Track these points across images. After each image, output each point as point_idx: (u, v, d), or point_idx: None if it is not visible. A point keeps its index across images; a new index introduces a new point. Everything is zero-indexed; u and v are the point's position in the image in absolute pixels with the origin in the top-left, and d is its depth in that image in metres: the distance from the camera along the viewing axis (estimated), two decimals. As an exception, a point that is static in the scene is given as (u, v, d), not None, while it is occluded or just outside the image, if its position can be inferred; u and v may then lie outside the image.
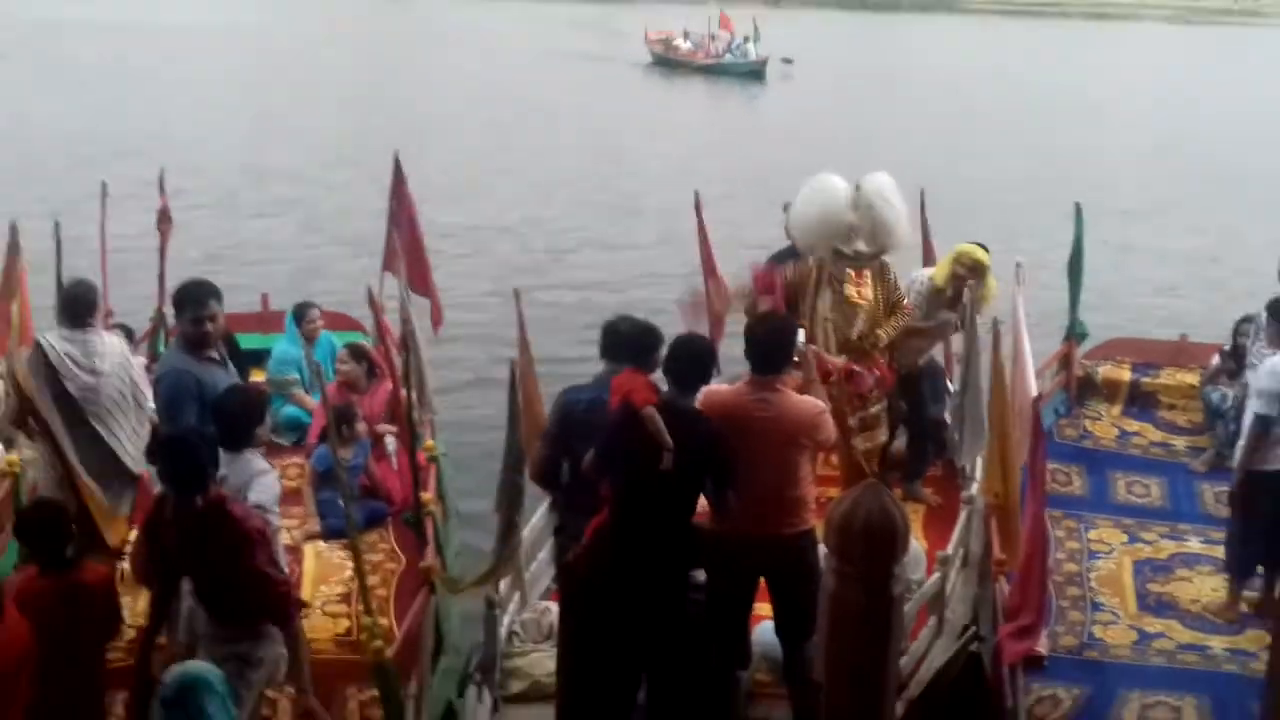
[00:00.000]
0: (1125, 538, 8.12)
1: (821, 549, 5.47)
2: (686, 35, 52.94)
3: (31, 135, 27.98)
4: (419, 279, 10.05)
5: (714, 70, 49.45)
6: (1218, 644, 6.82)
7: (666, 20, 55.42)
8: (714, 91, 46.29)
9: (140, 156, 21.83)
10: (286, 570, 6.22)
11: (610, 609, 5.85)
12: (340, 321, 10.81)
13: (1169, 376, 9.91)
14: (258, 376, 9.65)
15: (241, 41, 51.05)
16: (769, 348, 6.18)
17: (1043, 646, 6.43)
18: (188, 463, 5.54)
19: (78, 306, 7.28)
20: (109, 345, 7.33)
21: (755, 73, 48.51)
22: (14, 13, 53.08)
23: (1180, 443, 9.45)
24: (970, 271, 8.46)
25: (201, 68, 42.49)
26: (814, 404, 6.29)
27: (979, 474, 8.04)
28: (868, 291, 8.14)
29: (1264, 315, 7.95)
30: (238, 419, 6.13)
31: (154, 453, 6.52)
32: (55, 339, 7.11)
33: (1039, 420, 6.59)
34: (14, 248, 9.18)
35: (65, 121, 30.08)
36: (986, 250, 8.56)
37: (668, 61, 51.83)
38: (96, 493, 6.98)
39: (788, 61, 50.10)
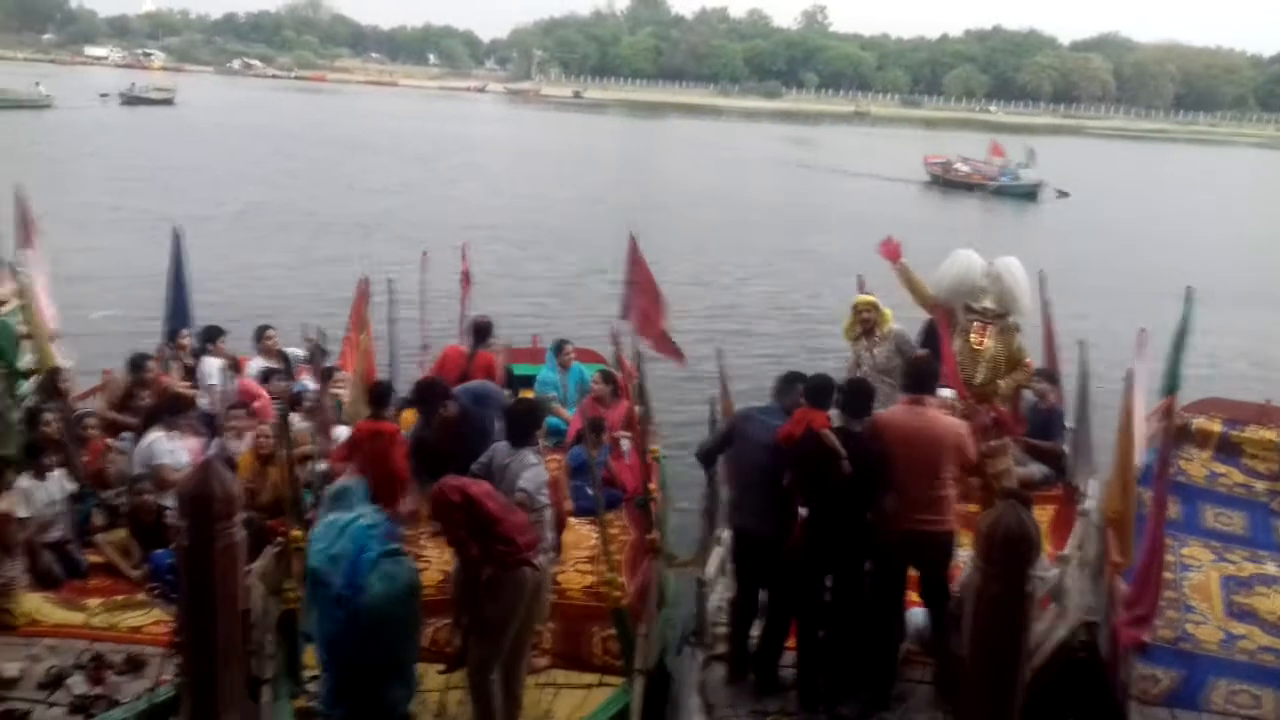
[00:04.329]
0: (1213, 556, 7.76)
1: (967, 551, 5.40)
2: (965, 160, 48.87)
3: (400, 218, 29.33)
4: (649, 328, 10.17)
5: (991, 191, 45.01)
6: (1293, 649, 6.46)
7: (875, 143, 53.57)
8: (989, 209, 41.71)
9: (445, 229, 22.62)
10: (552, 538, 6.34)
11: (808, 581, 5.99)
12: (586, 355, 11.11)
13: (1253, 432, 9.45)
14: (526, 395, 9.95)
15: (528, 150, 53.04)
16: (920, 377, 6.32)
17: (1147, 635, 6.20)
18: None
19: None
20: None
21: (1030, 195, 44.16)
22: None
23: (1260, 486, 9.00)
24: (869, 310, 8.76)
25: (499, 169, 44.03)
26: (958, 423, 6.31)
27: (1092, 492, 7.92)
28: (988, 342, 8.27)
29: None
30: (523, 424, 6.33)
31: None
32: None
33: (1166, 459, 6.54)
34: (363, 295, 9.78)
35: (415, 207, 31.31)
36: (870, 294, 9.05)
37: (946, 182, 47.52)
38: None
39: (1063, 194, 44.58)
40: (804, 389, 6.20)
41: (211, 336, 10.13)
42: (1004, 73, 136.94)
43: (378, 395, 7.94)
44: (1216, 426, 9.44)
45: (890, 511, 5.93)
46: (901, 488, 5.90)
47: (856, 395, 6.15)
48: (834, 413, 6.12)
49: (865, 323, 8.77)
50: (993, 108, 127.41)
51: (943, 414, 6.33)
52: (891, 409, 6.38)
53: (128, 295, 15.84)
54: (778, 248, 28.61)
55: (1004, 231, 34.56)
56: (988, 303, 8.32)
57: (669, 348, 9.80)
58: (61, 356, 9.75)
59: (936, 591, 6.10)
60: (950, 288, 8.49)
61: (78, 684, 5.83)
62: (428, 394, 7.77)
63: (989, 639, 4.81)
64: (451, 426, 7.54)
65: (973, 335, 8.32)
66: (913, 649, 6.39)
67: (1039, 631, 6.41)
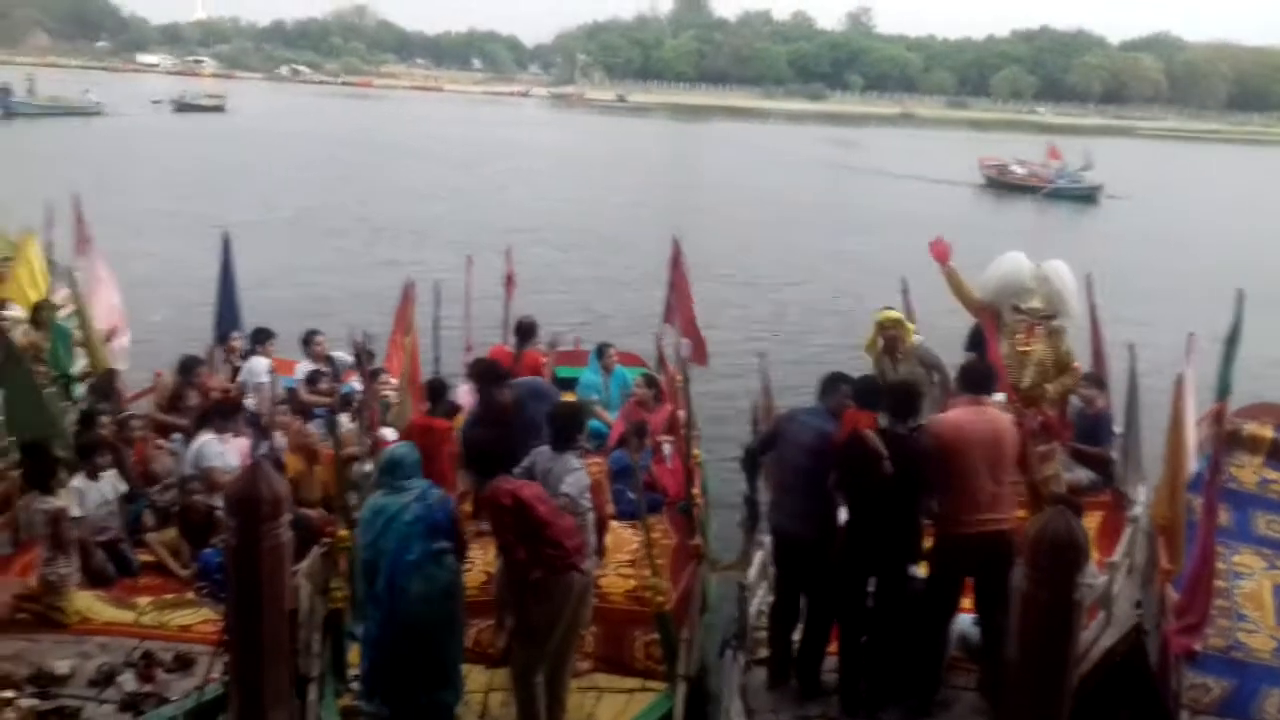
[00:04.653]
0: (1265, 564, 7.56)
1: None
2: (1021, 162, 47.60)
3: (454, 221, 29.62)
4: (690, 329, 10.20)
5: (1048, 194, 43.56)
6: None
7: (922, 145, 52.81)
8: (1045, 212, 40.53)
9: (492, 232, 22.79)
10: (594, 542, 6.34)
11: (849, 584, 5.97)
12: (628, 359, 11.12)
13: None
14: (568, 398, 9.98)
15: (572, 155, 53.29)
16: (977, 377, 6.31)
17: (1197, 643, 6.10)
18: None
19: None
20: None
21: (1088, 197, 43.02)
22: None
23: None
24: (894, 327, 8.57)
25: (544, 174, 44.32)
26: (1010, 419, 6.30)
27: (1141, 498, 7.81)
28: (1036, 345, 8.17)
29: None
30: (567, 428, 6.33)
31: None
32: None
33: (1217, 465, 6.42)
34: (408, 299, 9.89)
35: (463, 212, 31.54)
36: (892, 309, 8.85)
37: (1001, 184, 46.47)
38: None
39: (1115, 196, 43.36)
40: (852, 390, 6.18)
41: (260, 339, 10.29)
42: (1052, 73, 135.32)
43: (433, 391, 8.01)
44: (1268, 432, 9.23)
45: (943, 514, 5.89)
46: (965, 489, 5.85)
47: (903, 398, 6.10)
48: (882, 415, 6.09)
49: (889, 339, 8.64)
50: (1041, 109, 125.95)
51: (1000, 412, 6.27)
52: (954, 409, 6.29)
53: (181, 299, 16.09)
54: (824, 250, 28.49)
55: (1061, 234, 33.84)
56: (1036, 303, 8.25)
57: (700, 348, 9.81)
58: (115, 359, 9.96)
59: (994, 596, 5.98)
60: (997, 288, 8.42)
61: (128, 681, 5.92)
62: (488, 372, 7.77)
63: (1036, 646, 4.79)
64: (506, 414, 7.52)
65: (1019, 336, 8.24)
66: (957, 655, 6.32)
67: (1086, 639, 6.36)
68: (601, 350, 10.50)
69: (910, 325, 8.80)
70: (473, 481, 7.31)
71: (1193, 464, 6.96)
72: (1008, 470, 6.00)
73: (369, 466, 7.80)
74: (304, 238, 26.25)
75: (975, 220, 35.43)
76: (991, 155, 50.14)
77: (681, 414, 8.26)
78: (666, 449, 8.73)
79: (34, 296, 10.55)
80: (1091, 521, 8.01)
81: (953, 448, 5.86)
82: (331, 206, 31.34)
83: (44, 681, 5.85)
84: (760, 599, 6.74)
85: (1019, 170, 47.30)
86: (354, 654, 6.21)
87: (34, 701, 5.67)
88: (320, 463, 8.19)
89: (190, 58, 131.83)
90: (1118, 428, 8.82)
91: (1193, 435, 6.93)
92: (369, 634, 5.79)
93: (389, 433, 8.79)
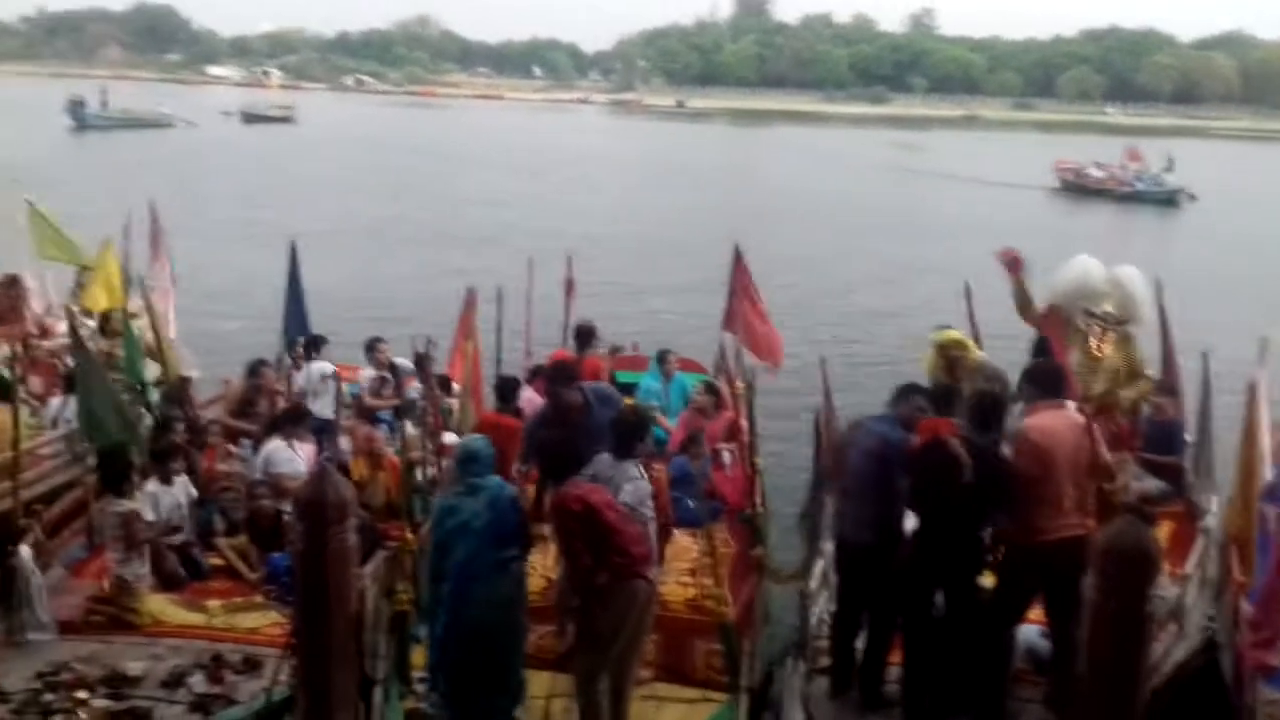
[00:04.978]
0: (1342, 577, 7.32)
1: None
2: (1099, 165, 46.75)
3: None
4: (753, 338, 10.13)
5: (1127, 197, 42.82)
6: None
7: (989, 148, 51.79)
8: (1125, 216, 39.74)
9: (557, 238, 22.90)
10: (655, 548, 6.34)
11: (916, 594, 5.90)
12: (688, 365, 11.12)
13: None
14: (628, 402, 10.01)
15: (633, 161, 53.62)
16: (1053, 380, 6.22)
17: (1273, 658, 5.93)
18: None
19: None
20: None
21: (1169, 201, 41.76)
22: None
23: None
24: (955, 348, 8.28)
25: (607, 181, 44.65)
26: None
27: (1213, 509, 7.66)
28: (1108, 350, 7.97)
29: None
30: (629, 436, 6.34)
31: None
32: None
33: None
34: (470, 305, 10.00)
35: (529, 219, 31.67)
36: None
37: (1078, 188, 45.63)
38: None
39: (1192, 198, 42.55)
40: (929, 396, 6.12)
41: (314, 345, 10.48)
42: (1121, 73, 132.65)
43: (503, 389, 8.07)
44: None
45: (1020, 524, 5.79)
46: (1048, 496, 5.75)
47: (989, 407, 5.98)
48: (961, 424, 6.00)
49: (950, 360, 8.43)
50: (1110, 109, 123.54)
51: (1077, 415, 6.15)
52: (1038, 414, 6.11)
53: (256, 308, 16.41)
54: (891, 257, 28.17)
55: (1138, 239, 33.21)
56: (1108, 307, 8.08)
57: (769, 351, 9.74)
58: (186, 366, 10.20)
59: (1066, 606, 5.83)
60: (1068, 292, 8.25)
61: (198, 683, 6.02)
62: (559, 372, 7.81)
63: (1106, 659, 4.67)
64: (574, 415, 7.55)
65: (1091, 342, 8.08)
66: (1022, 667, 6.22)
67: (1157, 652, 6.20)
68: (662, 356, 10.52)
69: (971, 343, 8.63)
70: (538, 484, 7.37)
71: (1267, 473, 6.77)
72: (1086, 476, 5.90)
73: (432, 472, 7.93)
74: (378, 246, 26.70)
75: (1050, 225, 34.73)
76: (1068, 158, 49.01)
77: (744, 423, 8.21)
78: (726, 457, 8.70)
79: (107, 305, 10.83)
80: (1162, 532, 7.83)
81: (1042, 453, 5.77)
82: (403, 216, 31.84)
83: (117, 683, 5.97)
84: (821, 607, 6.69)
85: (1096, 173, 46.19)
86: (417, 656, 6.29)
87: (106, 703, 5.79)
88: (384, 467, 8.30)
89: (258, 69, 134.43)
90: (1189, 435, 8.65)
91: (1267, 444, 6.73)
92: (434, 633, 5.85)
93: (451, 438, 8.89)
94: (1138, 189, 43.19)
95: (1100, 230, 34.66)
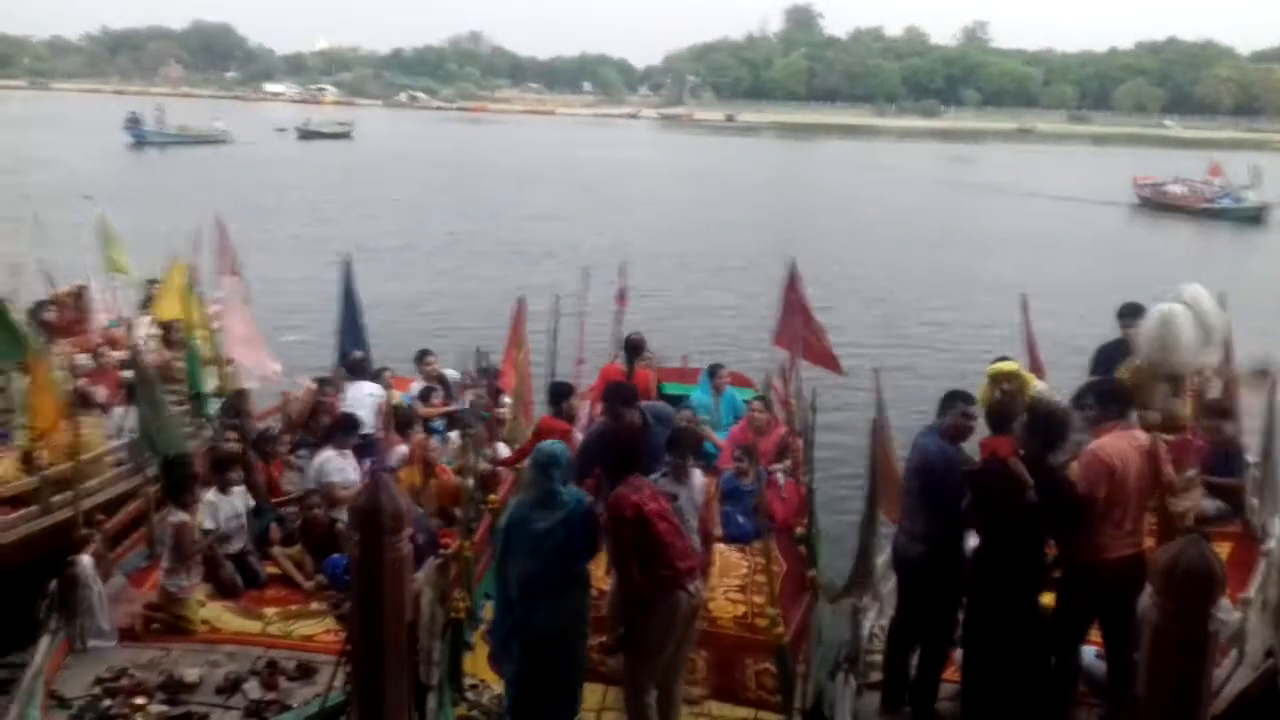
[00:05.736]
0: None
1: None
2: (1180, 180, 45.11)
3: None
4: (810, 350, 10.06)
5: (1209, 214, 41.08)
6: None
7: (1043, 160, 50.67)
8: (1205, 234, 38.01)
9: (613, 252, 22.98)
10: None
11: (981, 612, 5.84)
12: (739, 379, 11.09)
13: None
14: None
15: (685, 175, 53.54)
16: (1121, 398, 6.18)
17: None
18: None
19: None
20: None
21: (1254, 218, 39.79)
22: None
23: None
24: (1008, 380, 7.94)
25: (660, 195, 44.62)
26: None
27: (1276, 531, 7.47)
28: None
29: None
30: (682, 453, 6.45)
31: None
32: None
33: None
34: (521, 314, 10.07)
35: (586, 233, 31.82)
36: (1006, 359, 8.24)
37: (1157, 204, 44.10)
38: None
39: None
40: (986, 415, 6.08)
41: (359, 368, 10.60)
42: (1179, 86, 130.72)
43: (556, 393, 8.13)
44: None
45: (1085, 543, 5.71)
46: (1112, 517, 5.69)
47: (1056, 427, 5.85)
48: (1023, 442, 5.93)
49: (1005, 394, 8.20)
50: (1169, 122, 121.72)
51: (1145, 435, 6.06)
52: (1109, 436, 5.99)
53: (319, 322, 16.64)
54: (957, 272, 27.68)
55: (1220, 257, 32.35)
56: (1214, 356, 8.30)
57: (829, 359, 9.68)
58: (247, 378, 10.38)
59: (1123, 628, 5.76)
60: (1177, 350, 8.30)
61: (253, 689, 6.11)
62: (621, 395, 7.80)
63: (1167, 682, 4.56)
64: (634, 434, 7.55)
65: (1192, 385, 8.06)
66: (1081, 689, 6.12)
67: (1218, 678, 6.07)
68: (714, 371, 10.51)
69: (1028, 376, 8.47)
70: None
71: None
72: (1150, 497, 5.83)
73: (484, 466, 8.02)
74: (441, 261, 26.86)
75: (1129, 243, 34.29)
76: (1148, 174, 47.62)
77: (798, 441, 8.19)
78: (781, 477, 8.66)
79: (171, 317, 11.04)
80: (1220, 553, 7.67)
81: (1111, 476, 5.69)
82: (465, 231, 32.03)
83: (174, 689, 6.08)
84: (873, 621, 6.64)
85: (1176, 189, 44.74)
86: (468, 663, 6.32)
87: (164, 708, 5.90)
88: (437, 475, 8.38)
89: (313, 86, 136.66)
90: (1252, 456, 8.45)
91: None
92: (498, 640, 5.88)
93: (503, 448, 8.96)
94: (1220, 205, 41.77)
95: (1178, 249, 33.78)
